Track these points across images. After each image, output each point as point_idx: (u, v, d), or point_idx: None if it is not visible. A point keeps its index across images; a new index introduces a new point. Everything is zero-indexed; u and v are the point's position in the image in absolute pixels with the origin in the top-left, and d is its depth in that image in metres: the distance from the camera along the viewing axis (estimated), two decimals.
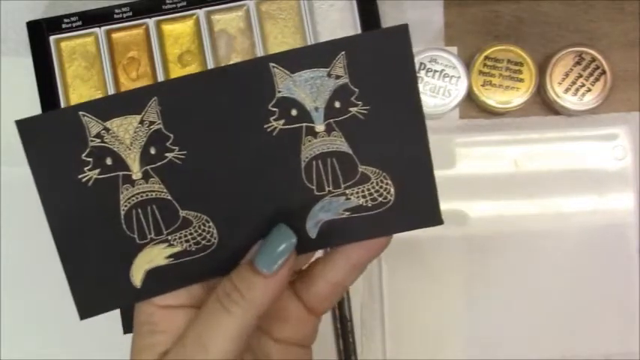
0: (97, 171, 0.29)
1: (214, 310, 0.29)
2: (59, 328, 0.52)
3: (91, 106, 0.28)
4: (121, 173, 0.29)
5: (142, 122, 0.29)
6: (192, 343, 0.29)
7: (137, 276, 0.30)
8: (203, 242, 0.30)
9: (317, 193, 0.30)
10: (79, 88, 0.53)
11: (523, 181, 0.52)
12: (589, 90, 0.51)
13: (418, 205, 0.30)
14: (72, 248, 0.30)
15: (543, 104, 0.53)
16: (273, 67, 0.29)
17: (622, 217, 0.52)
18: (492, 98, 0.51)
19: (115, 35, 0.53)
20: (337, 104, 0.29)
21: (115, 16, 0.52)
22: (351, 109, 0.29)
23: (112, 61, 0.53)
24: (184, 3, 0.52)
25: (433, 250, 0.52)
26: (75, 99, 0.53)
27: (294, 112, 0.29)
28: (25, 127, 0.29)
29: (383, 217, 0.30)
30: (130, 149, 0.29)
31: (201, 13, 0.52)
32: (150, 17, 0.52)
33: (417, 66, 0.51)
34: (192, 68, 0.53)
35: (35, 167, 0.29)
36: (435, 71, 0.51)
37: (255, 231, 0.30)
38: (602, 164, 0.52)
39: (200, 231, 0.30)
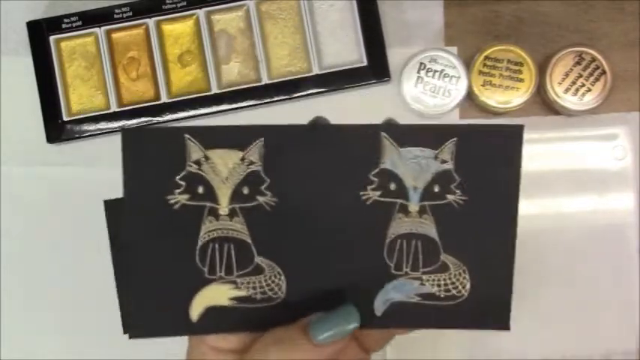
0: (186, 196, 0.28)
1: None
2: (59, 328, 0.52)
3: (197, 131, 0.28)
4: (208, 204, 0.29)
5: (242, 159, 0.28)
6: None
7: (196, 310, 0.29)
8: (270, 293, 0.30)
9: (393, 272, 0.30)
10: (79, 87, 0.53)
11: (523, 181, 0.52)
12: (589, 90, 0.51)
13: (489, 307, 0.30)
14: (141, 265, 0.29)
15: (543, 104, 0.53)
16: (384, 137, 0.28)
17: (622, 217, 0.52)
18: (492, 98, 0.51)
19: (115, 35, 0.53)
20: (436, 188, 0.29)
21: (115, 16, 0.52)
22: (448, 196, 0.29)
23: (112, 61, 0.53)
24: (184, 3, 0.52)
25: None
26: (75, 99, 0.53)
27: (392, 186, 0.29)
28: (128, 136, 0.28)
29: (451, 311, 0.30)
30: (223, 183, 0.28)
31: (201, 13, 0.52)
32: (150, 17, 0.52)
33: (417, 66, 0.51)
34: (193, 68, 0.53)
35: (128, 177, 0.28)
36: (435, 71, 0.51)
37: (324, 295, 0.29)
38: (602, 164, 0.52)
39: (270, 281, 0.29)
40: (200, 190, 0.28)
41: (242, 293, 0.29)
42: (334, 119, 0.32)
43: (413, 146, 0.29)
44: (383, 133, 0.28)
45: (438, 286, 0.30)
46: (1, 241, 0.53)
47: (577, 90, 0.51)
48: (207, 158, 0.28)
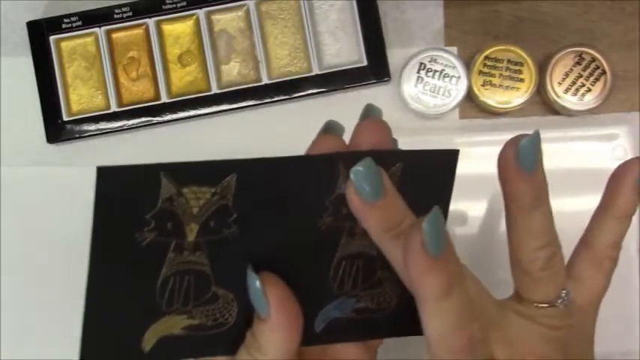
0: (154, 233, 0.28)
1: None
2: (59, 328, 0.52)
3: (174, 169, 0.27)
4: (174, 240, 0.28)
5: (213, 194, 0.28)
6: None
7: (150, 341, 0.29)
8: (221, 320, 0.30)
9: (336, 292, 0.31)
10: (79, 88, 0.53)
11: None
12: (589, 90, 0.51)
13: (413, 315, 0.30)
14: (100, 297, 0.29)
15: (543, 104, 0.53)
16: (341, 164, 0.29)
17: None
18: (492, 98, 0.51)
19: (115, 35, 0.53)
20: None
21: (115, 16, 0.52)
22: None
23: (112, 61, 0.53)
24: (184, 3, 0.52)
25: None
26: (75, 99, 0.53)
27: (344, 211, 0.29)
28: (104, 174, 0.27)
29: (382, 321, 0.31)
30: (193, 219, 0.28)
31: (201, 13, 0.52)
32: (150, 17, 0.52)
33: (417, 66, 0.51)
34: (192, 68, 0.53)
35: (98, 212, 0.28)
36: (435, 71, 0.51)
37: None
38: (602, 164, 0.52)
39: (222, 309, 0.30)
40: (169, 226, 0.28)
41: (195, 322, 0.29)
42: (334, 119, 0.32)
43: None
44: (341, 162, 0.29)
45: (372, 300, 0.31)
46: (1, 241, 0.53)
47: (577, 90, 0.51)
48: (180, 194, 0.28)
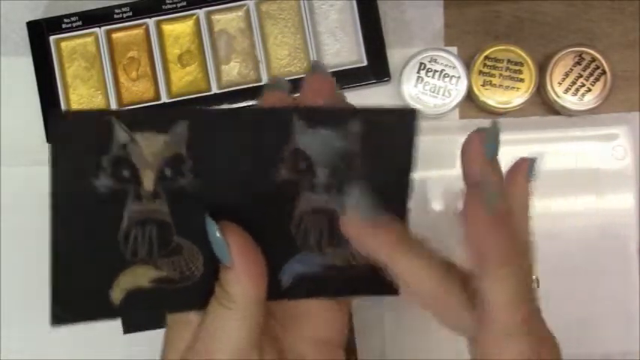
0: (111, 180, 0.28)
1: (216, 310, 0.29)
2: (59, 328, 0.52)
3: (123, 114, 0.28)
4: (132, 187, 0.29)
5: (166, 142, 0.28)
6: (202, 347, 0.29)
7: (117, 294, 0.29)
8: (187, 273, 0.30)
9: (299, 246, 0.31)
10: (79, 88, 0.53)
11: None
12: (589, 90, 0.51)
13: (384, 275, 0.31)
14: (66, 251, 0.30)
15: (543, 104, 0.53)
16: (296, 117, 0.29)
17: (622, 217, 0.52)
18: (492, 98, 0.51)
19: (115, 35, 0.53)
20: (342, 166, 0.30)
21: (115, 16, 0.52)
22: (351, 173, 0.30)
23: (112, 61, 0.53)
24: (184, 3, 0.52)
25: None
26: (75, 99, 0.53)
27: (302, 165, 0.30)
28: (54, 119, 0.28)
29: (353, 279, 0.31)
30: (148, 166, 0.29)
31: (201, 13, 0.52)
32: (150, 17, 0.52)
33: (417, 66, 0.51)
34: (192, 68, 0.53)
35: (55, 161, 0.28)
36: (435, 71, 0.51)
37: None
38: (602, 164, 0.52)
39: (188, 261, 0.30)
40: (125, 173, 0.28)
41: (162, 274, 0.30)
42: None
43: (322, 126, 0.30)
44: (295, 114, 0.29)
45: (340, 258, 0.31)
46: (1, 241, 0.53)
47: (577, 90, 0.51)
48: (133, 140, 0.28)
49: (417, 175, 0.31)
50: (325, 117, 0.30)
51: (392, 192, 0.31)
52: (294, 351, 0.32)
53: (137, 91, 0.53)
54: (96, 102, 0.53)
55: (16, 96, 0.54)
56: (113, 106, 0.52)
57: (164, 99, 0.52)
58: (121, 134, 0.28)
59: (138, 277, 0.29)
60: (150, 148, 0.28)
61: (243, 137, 0.29)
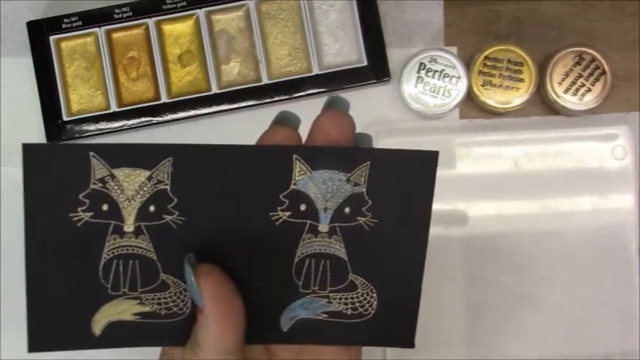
0: (90, 214, 0.28)
1: (184, 354, 0.29)
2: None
3: (103, 149, 0.28)
4: (113, 222, 0.28)
5: (149, 178, 0.28)
6: None
7: (98, 324, 0.29)
8: (175, 309, 0.29)
9: (301, 290, 0.30)
10: (79, 88, 0.53)
11: (523, 181, 0.52)
12: (589, 90, 0.51)
13: (395, 325, 0.30)
14: (42, 280, 0.29)
15: (543, 104, 0.53)
16: (296, 159, 0.29)
17: (622, 217, 0.52)
18: (492, 98, 0.51)
19: (115, 35, 0.53)
20: (347, 210, 0.29)
21: (115, 16, 0.52)
22: (359, 218, 0.30)
23: (112, 61, 0.53)
24: (184, 3, 0.52)
25: (433, 250, 0.52)
26: (75, 99, 0.53)
27: (302, 207, 0.29)
28: (30, 151, 0.28)
29: (358, 328, 0.31)
30: (129, 201, 0.28)
31: (201, 13, 0.52)
32: (150, 17, 0.52)
33: (417, 66, 0.51)
34: (192, 68, 0.53)
35: (28, 193, 0.28)
36: (435, 71, 0.51)
37: None
38: (602, 164, 0.52)
39: (175, 297, 0.29)
40: (105, 207, 0.28)
41: (146, 309, 0.29)
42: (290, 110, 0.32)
43: (326, 169, 0.29)
44: (295, 155, 0.28)
45: (345, 304, 0.30)
46: (1, 241, 0.53)
47: (577, 90, 0.51)
48: (112, 176, 0.28)
49: None
50: (329, 158, 0.29)
51: (407, 238, 0.30)
52: None
53: (137, 91, 0.53)
54: (96, 102, 0.53)
55: (16, 96, 0.54)
56: (113, 105, 0.52)
57: (164, 99, 0.52)
58: (99, 169, 0.28)
59: (121, 310, 0.29)
60: (131, 184, 0.28)
61: (236, 176, 0.28)
